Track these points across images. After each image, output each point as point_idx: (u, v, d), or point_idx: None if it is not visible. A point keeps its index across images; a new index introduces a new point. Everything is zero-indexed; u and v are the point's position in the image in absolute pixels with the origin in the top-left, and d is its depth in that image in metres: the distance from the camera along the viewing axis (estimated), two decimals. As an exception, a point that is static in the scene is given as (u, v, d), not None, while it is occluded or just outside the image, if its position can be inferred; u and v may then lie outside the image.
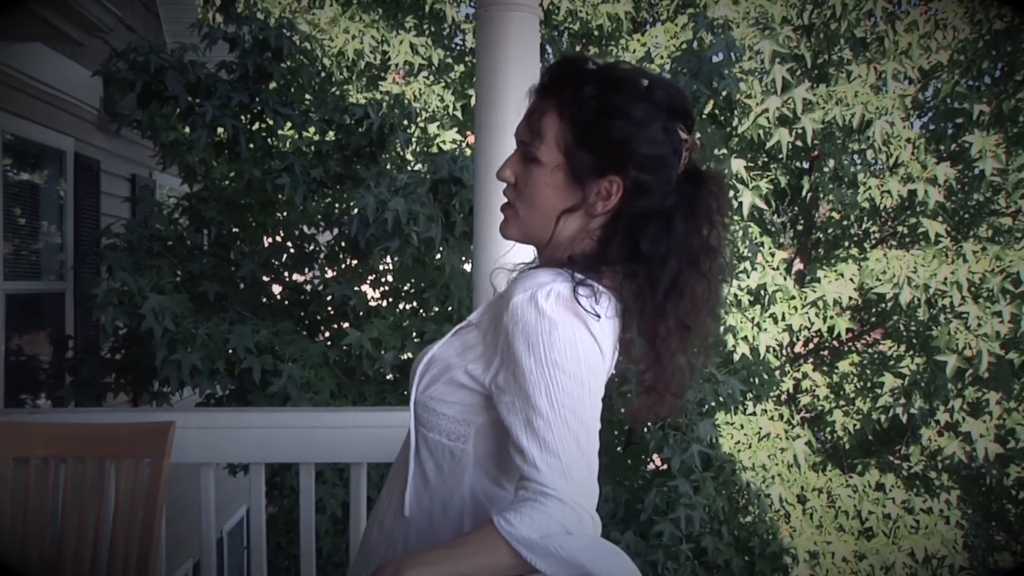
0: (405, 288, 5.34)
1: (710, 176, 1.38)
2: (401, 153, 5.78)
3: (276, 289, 5.45)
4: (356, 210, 4.32)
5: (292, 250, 5.32)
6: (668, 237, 1.35)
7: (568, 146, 1.33)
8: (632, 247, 1.36)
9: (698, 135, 4.49)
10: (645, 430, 4.71)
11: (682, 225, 1.36)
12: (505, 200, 1.41)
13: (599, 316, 1.31)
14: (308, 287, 5.39)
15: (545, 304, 1.27)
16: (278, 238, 5.30)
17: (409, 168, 5.56)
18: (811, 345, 7.27)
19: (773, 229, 7.11)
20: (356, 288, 4.93)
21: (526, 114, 1.37)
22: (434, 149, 5.44)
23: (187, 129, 4.81)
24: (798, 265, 7.08)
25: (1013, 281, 5.08)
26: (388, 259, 5.24)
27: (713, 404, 5.00)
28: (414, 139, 5.89)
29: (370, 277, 5.44)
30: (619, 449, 6.17)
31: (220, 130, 4.68)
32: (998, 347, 5.09)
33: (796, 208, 6.92)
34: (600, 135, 1.33)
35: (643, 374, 1.41)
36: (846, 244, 6.72)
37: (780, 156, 5.83)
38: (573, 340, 1.28)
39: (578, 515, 1.24)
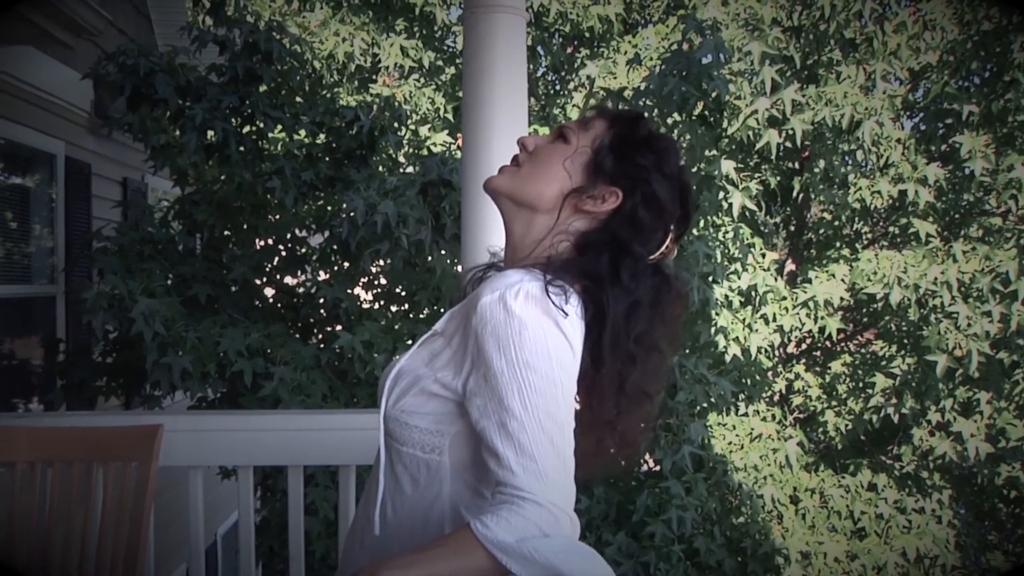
0: (397, 291, 5.34)
1: (677, 278, 1.45)
2: (394, 155, 5.78)
3: (269, 292, 5.44)
4: (346, 213, 4.32)
5: (284, 253, 5.32)
6: (639, 288, 1.38)
7: (601, 146, 1.41)
8: (609, 268, 1.38)
9: (688, 137, 4.52)
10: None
11: (647, 306, 1.40)
12: (514, 159, 1.47)
13: (566, 313, 1.31)
14: (301, 290, 5.38)
15: (514, 303, 1.28)
16: (270, 241, 5.30)
17: (401, 171, 5.55)
18: (804, 346, 7.29)
19: (767, 230, 7.12)
20: (348, 291, 4.93)
21: (582, 117, 1.48)
22: (425, 152, 5.45)
23: (177, 132, 4.80)
24: (790, 266, 7.10)
25: (1002, 281, 5.10)
26: (381, 261, 5.24)
27: (705, 405, 5.00)
28: (405, 141, 5.89)
29: (363, 280, 5.44)
30: (611, 451, 6.17)
31: (210, 133, 4.68)
32: (988, 347, 5.10)
33: (788, 209, 6.93)
34: (631, 154, 1.41)
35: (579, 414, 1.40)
36: (838, 245, 6.73)
37: (771, 157, 5.85)
38: (544, 339, 1.28)
39: (554, 516, 1.24)
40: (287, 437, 2.73)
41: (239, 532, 2.74)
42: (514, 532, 1.22)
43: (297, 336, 5.30)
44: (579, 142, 1.42)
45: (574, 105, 6.66)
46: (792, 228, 7.21)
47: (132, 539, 2.28)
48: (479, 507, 1.36)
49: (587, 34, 6.55)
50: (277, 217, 5.27)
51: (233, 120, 4.75)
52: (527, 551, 1.19)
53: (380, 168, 5.39)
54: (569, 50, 7.50)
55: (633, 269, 1.38)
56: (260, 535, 5.00)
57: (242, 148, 4.79)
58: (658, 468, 4.85)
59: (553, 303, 1.30)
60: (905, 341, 5.82)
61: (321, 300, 4.92)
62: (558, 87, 7.47)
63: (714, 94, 4.21)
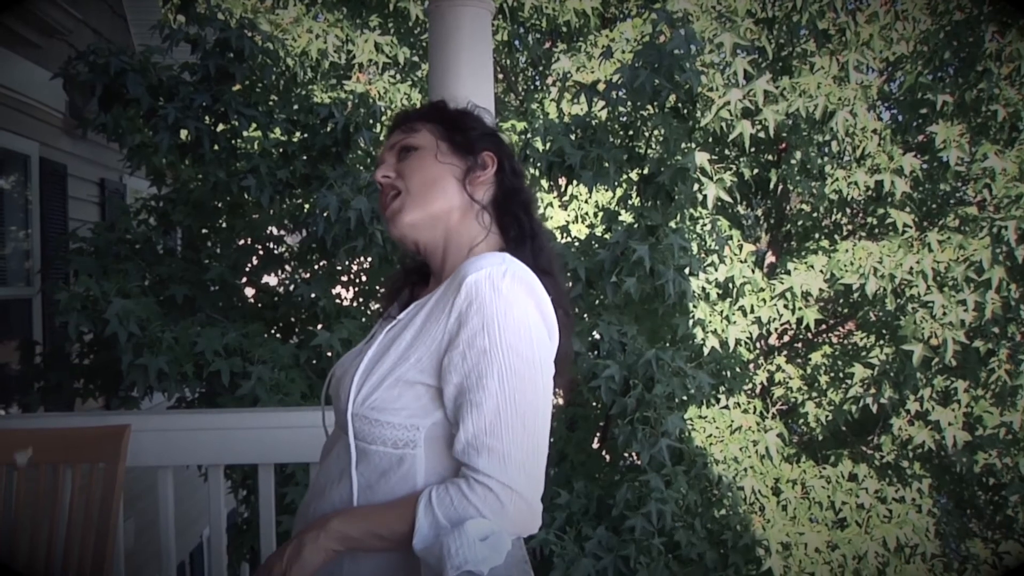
0: (376, 288, 5.33)
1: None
2: (375, 152, 5.76)
3: (249, 292, 5.43)
4: (321, 211, 4.30)
5: (261, 252, 5.30)
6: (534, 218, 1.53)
7: (442, 132, 1.50)
8: (527, 218, 1.50)
9: (661, 129, 4.52)
10: (612, 424, 4.73)
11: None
12: (390, 195, 1.49)
13: (550, 297, 1.36)
14: (281, 289, 5.37)
15: (502, 283, 1.29)
16: (248, 240, 5.28)
17: (379, 167, 5.53)
18: (786, 338, 7.32)
19: (748, 222, 7.15)
20: (326, 289, 4.91)
21: (391, 139, 1.54)
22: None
23: (150, 132, 4.77)
24: (771, 258, 7.12)
25: (976, 270, 5.13)
26: (362, 259, 5.23)
27: (685, 398, 5.01)
28: (382, 137, 5.87)
29: (343, 278, 5.43)
30: (595, 445, 6.18)
31: (184, 132, 4.65)
32: (963, 335, 5.13)
33: (769, 201, 6.95)
34: (469, 124, 1.52)
35: None
36: (817, 236, 6.76)
37: (749, 148, 5.87)
38: (527, 321, 1.30)
39: (501, 503, 1.25)
40: (258, 435, 2.73)
41: (211, 532, 2.74)
42: (455, 513, 1.25)
43: (278, 336, 5.29)
44: (424, 140, 1.49)
45: (552, 100, 6.67)
46: (772, 220, 7.23)
47: (99, 540, 2.27)
48: None
49: (564, 29, 6.55)
50: (256, 216, 5.25)
51: (207, 119, 4.72)
52: (446, 546, 1.19)
53: (358, 166, 5.37)
54: (547, 45, 7.50)
55: (535, 205, 1.57)
56: (244, 535, 4.99)
57: (216, 147, 4.76)
58: (638, 462, 4.86)
59: (535, 288, 1.33)
60: (884, 331, 5.85)
61: (299, 299, 4.91)
62: (537, 82, 7.47)
63: (686, 86, 4.21)
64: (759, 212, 7.29)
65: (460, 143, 1.48)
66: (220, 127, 4.81)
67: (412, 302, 1.47)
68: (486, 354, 1.26)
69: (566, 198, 6.44)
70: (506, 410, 1.26)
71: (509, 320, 1.27)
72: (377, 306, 5.38)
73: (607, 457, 5.82)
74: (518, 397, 1.27)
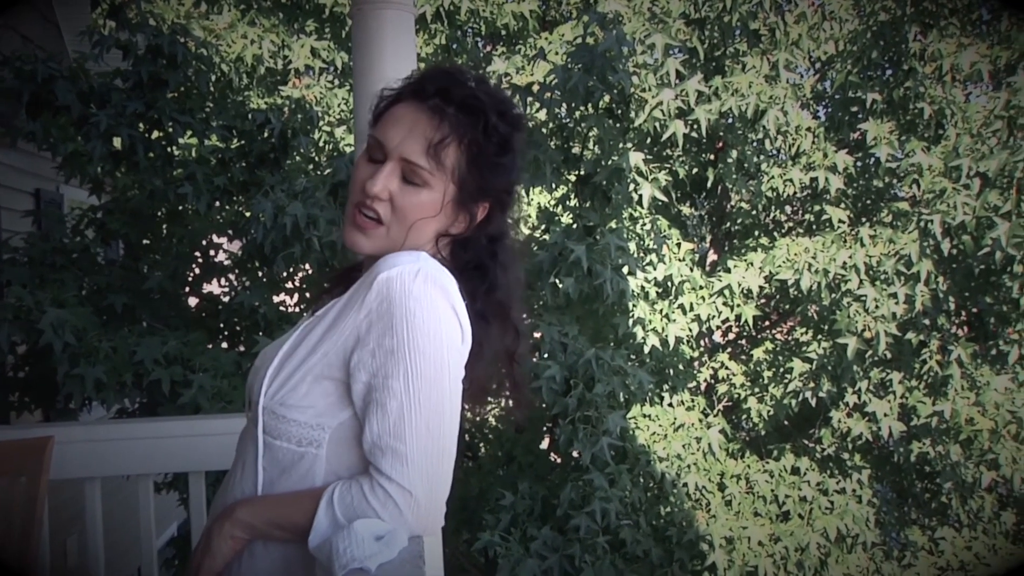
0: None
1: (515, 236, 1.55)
2: (317, 158, 5.74)
3: (193, 301, 5.38)
4: (257, 217, 4.28)
5: (201, 260, 5.25)
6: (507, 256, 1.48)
7: (461, 174, 1.37)
8: (489, 257, 1.46)
9: (596, 130, 4.57)
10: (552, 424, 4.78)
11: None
12: (369, 215, 1.37)
13: (463, 299, 1.36)
14: (226, 298, 5.33)
15: (413, 283, 1.28)
16: (189, 248, 5.23)
17: (318, 173, 5.53)
18: (731, 335, 7.41)
19: (692, 222, 7.23)
20: (265, 296, 4.88)
21: (422, 136, 1.35)
22: (342, 153, 5.43)
23: (81, 139, 4.71)
24: (712, 256, 7.22)
25: (906, 263, 5.26)
26: (303, 265, 5.20)
27: (628, 397, 5.06)
28: (323, 142, 5.86)
29: (288, 284, 5.40)
30: (542, 447, 6.20)
31: (117, 140, 4.59)
32: (895, 328, 5.25)
33: (712, 201, 7.05)
34: (493, 166, 1.39)
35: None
36: (757, 234, 6.86)
37: (688, 148, 5.95)
38: (438, 322, 1.29)
39: (399, 508, 1.26)
40: (188, 443, 2.70)
41: (142, 545, 2.70)
42: (353, 512, 1.26)
43: (224, 344, 5.25)
44: (439, 182, 1.36)
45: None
46: (715, 219, 7.33)
47: (21, 556, 2.23)
48: None
49: (504, 32, 6.57)
50: (198, 224, 5.21)
51: (140, 126, 4.67)
52: (335, 544, 1.20)
53: (298, 172, 5.35)
54: (488, 48, 7.51)
55: (506, 250, 1.48)
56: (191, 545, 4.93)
57: (151, 154, 4.71)
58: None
59: (449, 288, 1.33)
60: (822, 326, 5.96)
61: (238, 307, 4.87)
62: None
63: (619, 87, 4.26)
64: (703, 212, 7.38)
65: (468, 195, 1.39)
66: (155, 134, 4.75)
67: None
68: (393, 354, 1.26)
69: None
70: (410, 412, 1.26)
71: (417, 321, 1.26)
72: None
73: (556, 459, 5.86)
74: (422, 399, 1.27)
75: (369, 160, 1.39)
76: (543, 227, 4.98)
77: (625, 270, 4.58)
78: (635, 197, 4.58)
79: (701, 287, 5.68)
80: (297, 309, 5.43)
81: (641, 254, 5.34)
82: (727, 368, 6.62)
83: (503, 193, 1.43)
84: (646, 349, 5.33)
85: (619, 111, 4.55)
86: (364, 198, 1.36)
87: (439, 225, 1.40)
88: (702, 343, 6.90)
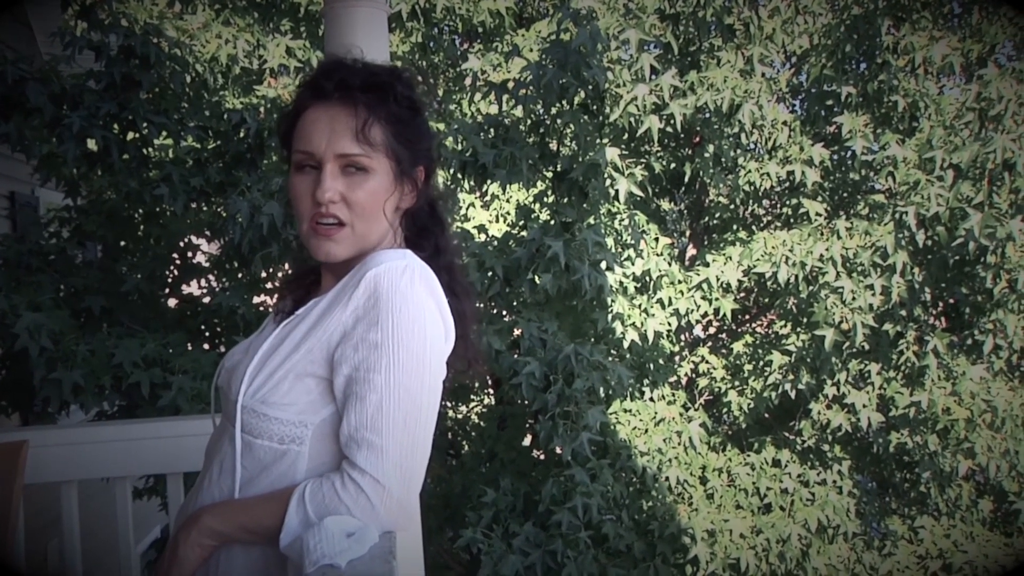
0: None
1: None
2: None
3: (172, 302, 5.35)
4: (234, 217, 4.26)
5: (179, 261, 5.23)
6: (445, 218, 1.52)
7: (392, 148, 1.39)
8: (436, 224, 1.50)
9: (572, 127, 4.57)
10: (534, 421, 4.78)
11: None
12: (329, 222, 1.37)
13: (446, 296, 1.39)
14: (206, 299, 5.30)
15: (401, 280, 1.30)
16: (167, 250, 5.20)
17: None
18: (711, 329, 7.45)
19: (672, 217, 7.25)
20: (244, 297, 4.86)
21: (346, 128, 1.35)
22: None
23: (55, 141, 4.67)
24: (691, 250, 7.25)
25: (882, 255, 5.30)
26: (281, 265, 5.19)
27: (610, 392, 5.08)
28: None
29: (268, 285, 5.38)
30: (524, 443, 6.21)
31: (91, 141, 4.56)
32: (872, 319, 5.29)
33: (691, 195, 7.08)
34: (415, 131, 1.43)
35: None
36: (735, 228, 6.90)
37: (664, 143, 5.97)
38: (422, 318, 1.31)
39: (371, 503, 1.26)
40: (165, 444, 2.70)
41: (119, 547, 2.69)
42: (324, 509, 1.26)
43: (204, 345, 5.22)
44: (378, 163, 1.38)
45: (469, 100, 6.70)
46: (693, 213, 7.36)
47: (-4, 559, 2.21)
48: None
49: (480, 29, 6.57)
50: (173, 225, 5.18)
51: (114, 127, 4.63)
52: (306, 541, 1.20)
53: (275, 171, 5.33)
54: (466, 46, 7.51)
55: (443, 212, 1.53)
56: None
57: (126, 156, 4.67)
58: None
59: (435, 286, 1.36)
60: (800, 319, 6.00)
61: (217, 308, 4.85)
62: (452, 84, 7.49)
63: (593, 83, 4.27)
64: (682, 206, 7.41)
65: (404, 164, 1.41)
66: (129, 135, 4.72)
67: (308, 299, 1.47)
68: (377, 348, 1.27)
69: (487, 198, 6.47)
70: (388, 405, 1.27)
71: (403, 316, 1.28)
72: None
73: (540, 455, 5.87)
74: (402, 393, 1.27)
75: (302, 174, 1.39)
76: (521, 224, 4.99)
77: (603, 265, 4.59)
78: (612, 192, 4.59)
79: (680, 281, 5.70)
80: (276, 310, 5.41)
81: (619, 249, 5.36)
82: (707, 362, 6.65)
83: (430, 151, 1.47)
84: (625, 344, 5.35)
85: (594, 107, 4.56)
86: (317, 208, 1.36)
87: (394, 203, 1.42)
88: (682, 337, 6.93)
